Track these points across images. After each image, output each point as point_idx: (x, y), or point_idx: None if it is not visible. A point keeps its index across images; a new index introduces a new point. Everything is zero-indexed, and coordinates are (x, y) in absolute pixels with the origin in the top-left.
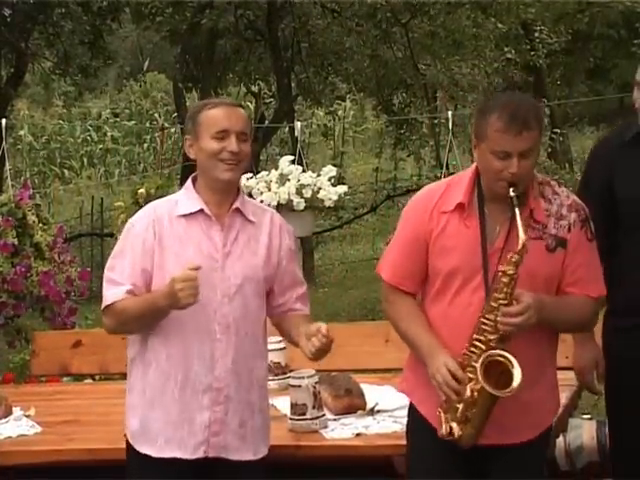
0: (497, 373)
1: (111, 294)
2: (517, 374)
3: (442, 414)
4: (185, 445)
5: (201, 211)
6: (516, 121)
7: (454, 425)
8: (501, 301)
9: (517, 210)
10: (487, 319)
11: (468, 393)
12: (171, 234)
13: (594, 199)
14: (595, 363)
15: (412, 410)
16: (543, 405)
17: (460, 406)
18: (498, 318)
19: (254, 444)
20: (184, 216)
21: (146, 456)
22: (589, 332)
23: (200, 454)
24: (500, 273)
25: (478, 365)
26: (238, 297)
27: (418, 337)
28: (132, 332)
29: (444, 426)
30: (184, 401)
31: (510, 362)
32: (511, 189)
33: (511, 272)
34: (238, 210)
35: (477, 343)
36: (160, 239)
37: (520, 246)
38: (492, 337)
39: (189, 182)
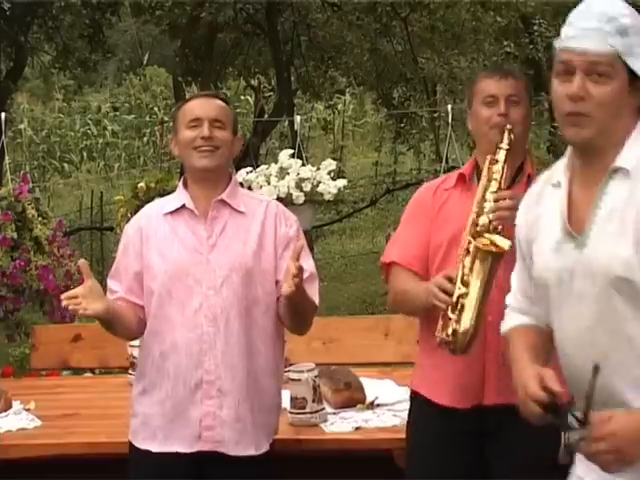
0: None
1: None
2: (503, 242)
3: (440, 325)
4: (183, 439)
5: (184, 206)
6: (500, 68)
7: (450, 325)
8: (492, 189)
9: (505, 135)
10: (478, 209)
11: (459, 275)
12: (157, 233)
13: None
14: None
15: (415, 405)
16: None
17: (454, 295)
18: (489, 204)
19: (256, 439)
20: (170, 214)
21: (147, 452)
22: None
23: (197, 448)
24: (490, 161)
25: (469, 239)
26: (226, 289)
27: (416, 288)
28: (123, 335)
29: (442, 333)
30: (178, 396)
31: (493, 240)
32: (505, 142)
33: (502, 159)
34: (223, 201)
35: (469, 237)
36: (147, 239)
37: (505, 140)
38: (483, 224)
39: (181, 181)
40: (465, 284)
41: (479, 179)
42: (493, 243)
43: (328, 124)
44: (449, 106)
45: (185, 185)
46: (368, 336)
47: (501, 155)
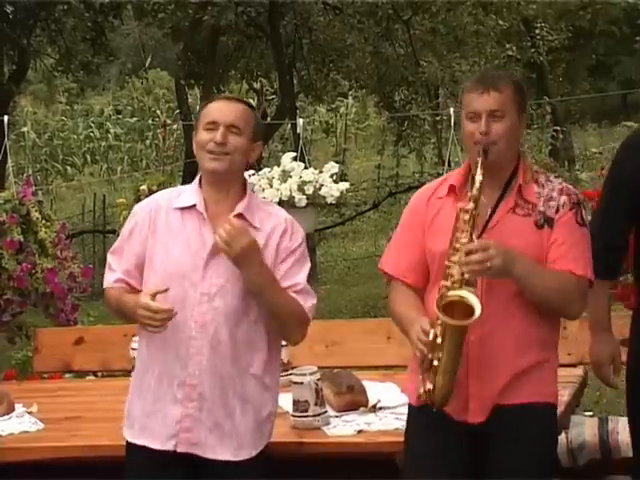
0: (461, 316)
1: (106, 279)
2: (475, 304)
3: (420, 378)
4: (155, 435)
5: (195, 207)
6: (483, 80)
7: (428, 382)
8: (463, 240)
9: (480, 160)
10: (451, 262)
11: (435, 339)
12: (165, 226)
13: (624, 187)
14: (611, 357)
15: (411, 412)
16: (538, 373)
17: (431, 357)
18: (460, 258)
19: (233, 446)
20: (180, 209)
21: (126, 440)
22: (571, 316)
23: (169, 447)
24: (459, 210)
25: (439, 305)
26: (219, 298)
27: (405, 315)
28: (127, 321)
29: (421, 388)
30: (159, 392)
31: (466, 298)
32: (476, 186)
33: (470, 207)
34: (241, 215)
35: (443, 290)
36: (154, 229)
37: (477, 184)
38: (457, 279)
39: (197, 178)
40: (439, 349)
41: (472, 189)
42: (464, 302)
43: (330, 127)
44: (451, 109)
45: (200, 184)
46: (370, 339)
47: (470, 205)
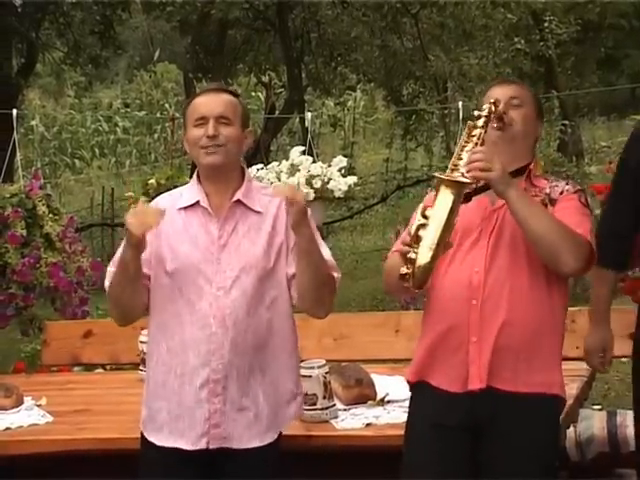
0: None
1: (107, 279)
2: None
3: (402, 261)
4: (187, 436)
5: (198, 203)
6: (507, 79)
7: (409, 258)
8: (469, 148)
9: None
10: (453, 165)
11: (420, 210)
12: (170, 227)
13: (632, 176)
14: (602, 346)
15: (411, 396)
16: (538, 356)
17: (413, 227)
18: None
19: (260, 430)
20: (184, 209)
21: (152, 444)
22: (564, 267)
23: (202, 445)
24: (470, 125)
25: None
26: (235, 290)
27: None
28: (127, 310)
29: (403, 268)
30: (183, 394)
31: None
32: (484, 110)
33: (480, 123)
34: (240, 202)
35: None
36: (159, 233)
37: (485, 111)
38: (457, 169)
39: (195, 174)
40: (425, 216)
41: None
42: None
43: (338, 121)
44: (460, 103)
45: (199, 180)
46: (379, 332)
47: (480, 121)
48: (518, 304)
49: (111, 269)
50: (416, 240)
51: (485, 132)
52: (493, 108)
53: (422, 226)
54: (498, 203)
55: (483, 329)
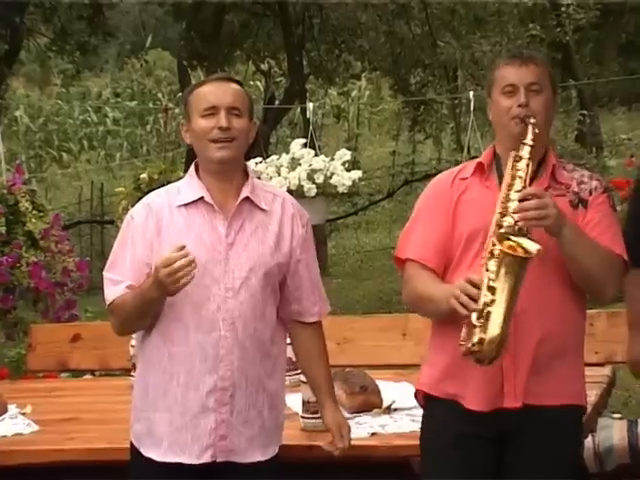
0: None
1: (112, 292)
2: (533, 246)
3: (464, 333)
4: (189, 450)
5: (202, 199)
6: (520, 55)
7: (475, 333)
8: (517, 187)
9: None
10: (502, 209)
11: (485, 281)
12: (171, 226)
13: None
14: None
15: (430, 409)
16: (565, 368)
17: (480, 302)
18: (513, 204)
19: (262, 444)
20: (185, 205)
21: (150, 460)
22: (605, 297)
23: (207, 459)
24: (514, 157)
25: (493, 241)
26: (244, 291)
27: (433, 292)
28: (136, 329)
29: (468, 342)
30: (187, 403)
31: (523, 244)
32: (529, 137)
33: (527, 156)
34: (248, 199)
35: (494, 240)
36: (159, 231)
37: (529, 141)
38: (508, 225)
39: (192, 168)
40: (491, 291)
41: (498, 170)
42: (520, 246)
43: (342, 111)
44: (471, 92)
45: (198, 174)
46: (385, 336)
47: (525, 152)
48: (551, 318)
49: (110, 276)
50: (483, 316)
51: (531, 163)
52: (537, 131)
53: (490, 303)
54: None
55: (517, 344)
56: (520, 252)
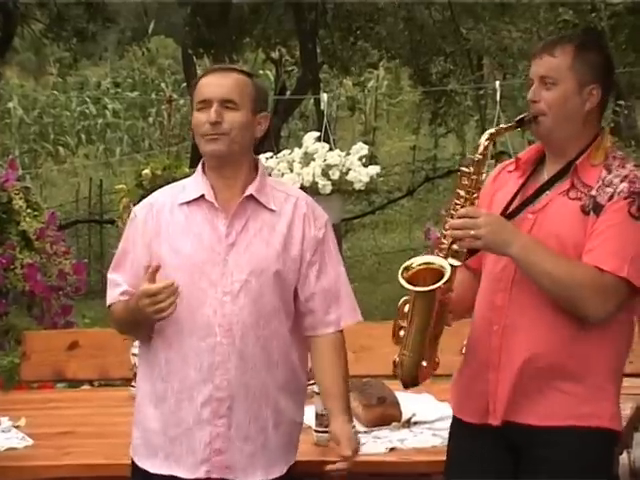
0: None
1: (109, 295)
2: (445, 268)
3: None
4: (184, 462)
5: (203, 197)
6: (541, 45)
7: (397, 355)
8: (457, 205)
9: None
10: (443, 230)
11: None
12: (171, 224)
13: None
14: None
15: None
16: (559, 388)
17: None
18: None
19: (266, 463)
20: (187, 203)
21: (145, 472)
22: (587, 317)
23: (201, 474)
24: (460, 174)
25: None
26: (244, 295)
27: None
28: (133, 337)
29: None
30: (181, 413)
31: (433, 263)
32: (478, 151)
33: (468, 171)
34: (252, 197)
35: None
36: (159, 230)
37: (481, 148)
38: (444, 248)
39: (200, 165)
40: (406, 317)
41: (537, 160)
42: (437, 269)
43: (358, 103)
44: (497, 82)
45: (204, 171)
46: None
47: (470, 168)
48: (543, 337)
49: (111, 277)
50: (399, 341)
51: (478, 179)
52: (488, 145)
53: (401, 328)
54: (538, 204)
55: (502, 361)
56: (421, 287)
